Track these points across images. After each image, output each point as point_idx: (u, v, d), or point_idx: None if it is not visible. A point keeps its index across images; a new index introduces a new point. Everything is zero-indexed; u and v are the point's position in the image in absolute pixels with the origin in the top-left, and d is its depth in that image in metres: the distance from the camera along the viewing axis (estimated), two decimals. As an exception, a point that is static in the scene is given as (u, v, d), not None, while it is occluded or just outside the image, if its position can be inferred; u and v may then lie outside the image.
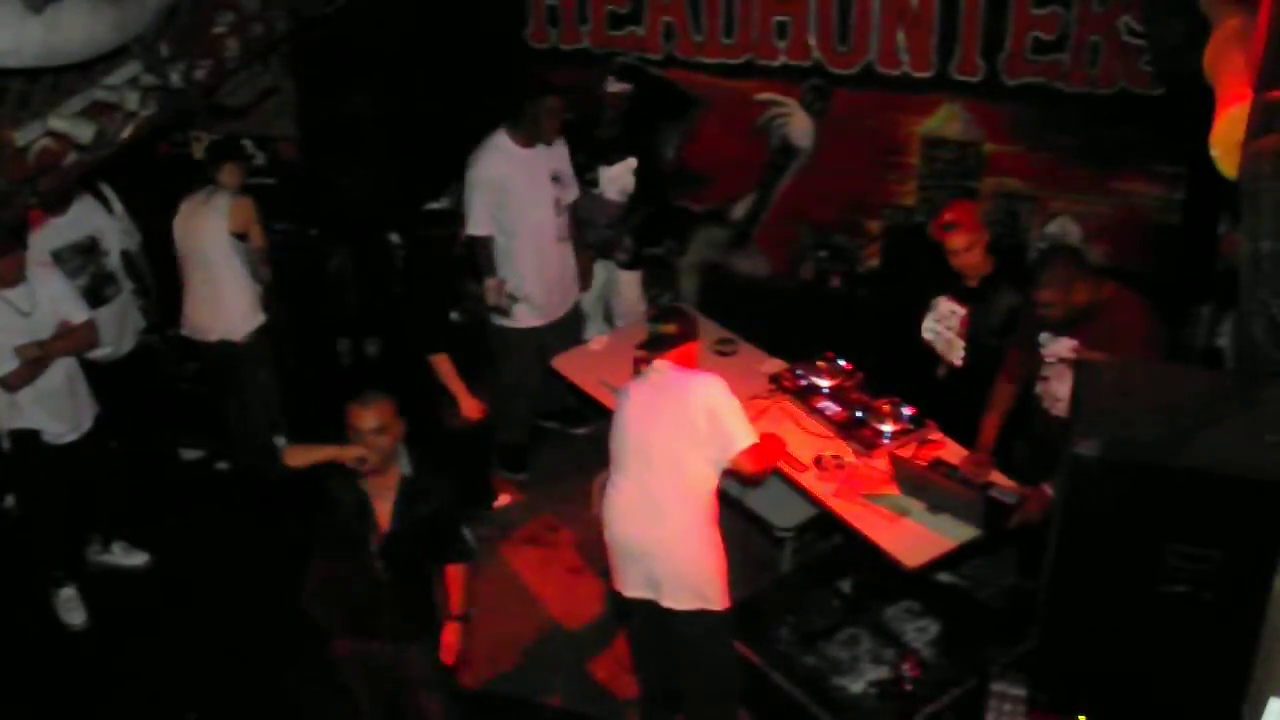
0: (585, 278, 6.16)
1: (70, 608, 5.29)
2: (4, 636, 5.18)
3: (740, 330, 5.74)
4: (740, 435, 4.14)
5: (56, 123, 3.69)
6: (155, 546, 5.65)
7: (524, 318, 5.81)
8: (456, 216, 5.73)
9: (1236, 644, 2.80)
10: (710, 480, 4.20)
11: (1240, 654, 2.80)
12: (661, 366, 4.29)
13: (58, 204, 5.26)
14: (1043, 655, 3.24)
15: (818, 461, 4.79)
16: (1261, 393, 2.83)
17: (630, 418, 4.27)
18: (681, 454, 4.14)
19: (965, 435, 4.78)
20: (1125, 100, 5.94)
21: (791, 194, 6.80)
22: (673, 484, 4.16)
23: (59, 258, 5.30)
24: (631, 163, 6.22)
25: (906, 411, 4.96)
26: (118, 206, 5.69)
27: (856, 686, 4.54)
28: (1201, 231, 5.54)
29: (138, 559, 5.62)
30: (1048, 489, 4.24)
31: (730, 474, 4.31)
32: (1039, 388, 4.64)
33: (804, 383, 5.22)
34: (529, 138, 5.63)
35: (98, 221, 5.53)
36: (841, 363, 5.31)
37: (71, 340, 5.00)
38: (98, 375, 5.28)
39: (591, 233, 6.19)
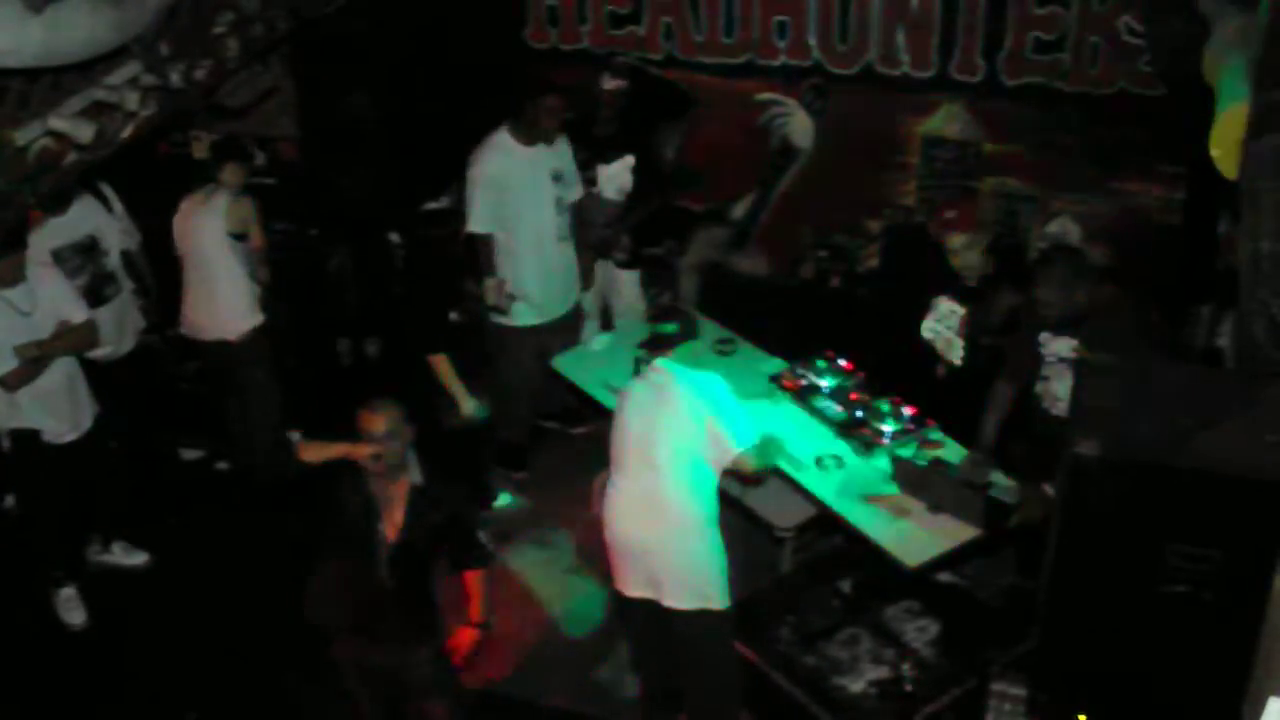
0: (587, 277, 6.16)
1: (70, 608, 5.29)
2: (4, 636, 5.17)
3: (740, 330, 5.73)
4: (741, 435, 4.15)
5: (56, 123, 3.69)
6: (155, 546, 5.64)
7: (524, 317, 5.80)
8: (456, 215, 5.73)
9: (1236, 644, 2.80)
10: (711, 480, 4.20)
11: (1240, 654, 2.80)
12: (662, 366, 4.29)
13: (58, 204, 5.26)
14: (1043, 655, 3.25)
15: (818, 461, 4.79)
16: (1261, 393, 2.83)
17: (631, 417, 4.27)
18: (682, 454, 4.14)
19: (965, 435, 4.78)
20: (1125, 100, 5.94)
21: (791, 194, 6.80)
22: (673, 484, 4.15)
23: (59, 257, 5.30)
24: (629, 161, 6.22)
25: (906, 411, 4.96)
26: (118, 206, 5.69)
27: (856, 686, 4.53)
28: (1201, 231, 5.54)
29: (138, 559, 5.62)
30: (1048, 489, 4.24)
31: (730, 474, 4.31)
32: (1039, 388, 4.64)
33: (804, 383, 5.23)
34: (530, 137, 5.63)
35: (98, 221, 5.53)
36: (841, 362, 5.31)
37: (71, 340, 5.00)
38: (98, 375, 5.27)
39: (590, 232, 6.19)
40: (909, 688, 4.50)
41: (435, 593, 4.11)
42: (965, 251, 4.92)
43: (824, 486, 4.69)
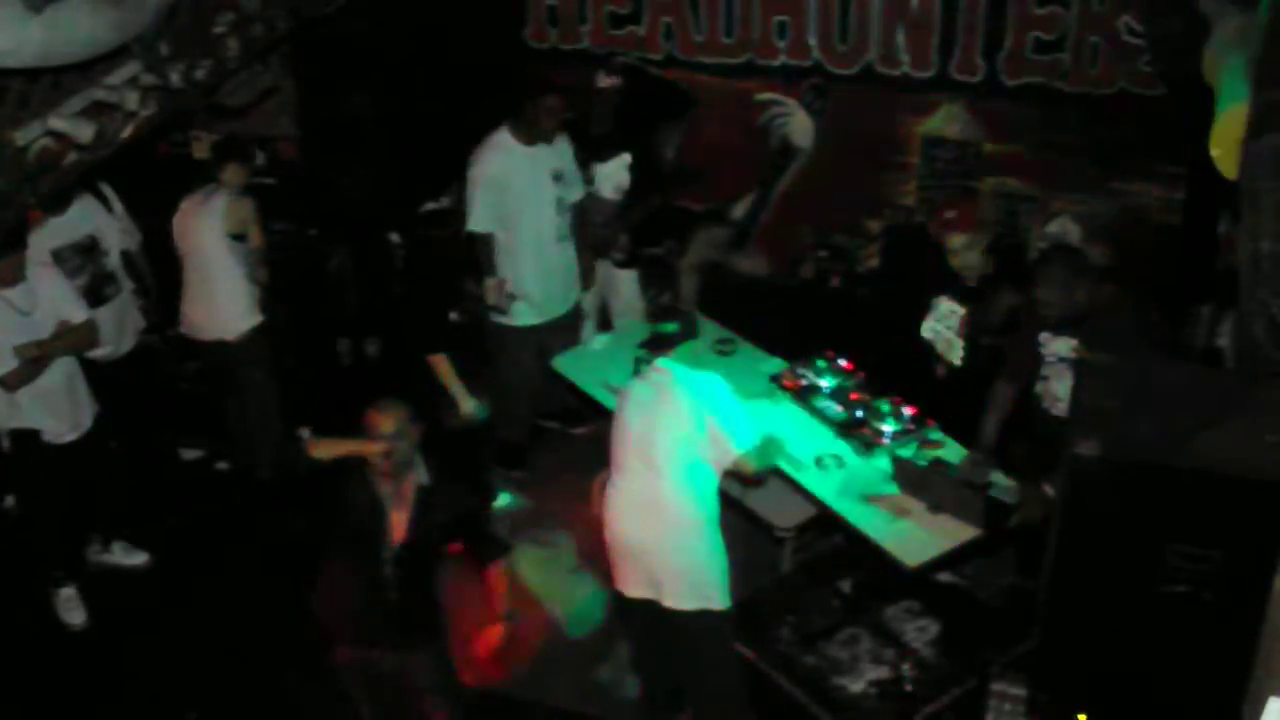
0: (587, 277, 6.16)
1: (70, 608, 5.29)
2: (4, 636, 5.17)
3: (740, 330, 5.73)
4: (741, 437, 4.15)
5: (56, 123, 3.68)
6: (155, 546, 5.64)
7: (524, 317, 5.80)
8: (457, 215, 5.73)
9: (1236, 644, 2.80)
10: (711, 480, 4.20)
11: (1240, 654, 2.80)
12: (662, 366, 4.29)
13: (58, 204, 5.26)
14: (1043, 655, 3.25)
15: (818, 461, 4.79)
16: (1261, 393, 2.83)
17: (631, 417, 4.27)
18: (682, 454, 4.13)
19: (965, 435, 4.78)
20: (1125, 100, 5.95)
21: (791, 194, 6.80)
22: (674, 484, 4.15)
23: (59, 257, 5.30)
24: (626, 159, 6.22)
25: (906, 411, 4.96)
26: (118, 206, 5.69)
27: (856, 686, 4.54)
28: (1201, 231, 5.54)
29: (138, 559, 5.62)
30: (1048, 489, 4.24)
31: (730, 474, 4.31)
32: (1039, 388, 4.64)
33: (804, 383, 5.23)
34: (530, 137, 5.63)
35: (98, 221, 5.53)
36: (841, 362, 5.31)
37: (71, 340, 5.00)
38: (97, 375, 5.28)
39: (587, 231, 6.19)
40: (909, 688, 4.50)
41: (439, 595, 4.12)
42: (965, 251, 4.91)
43: (824, 486, 4.69)
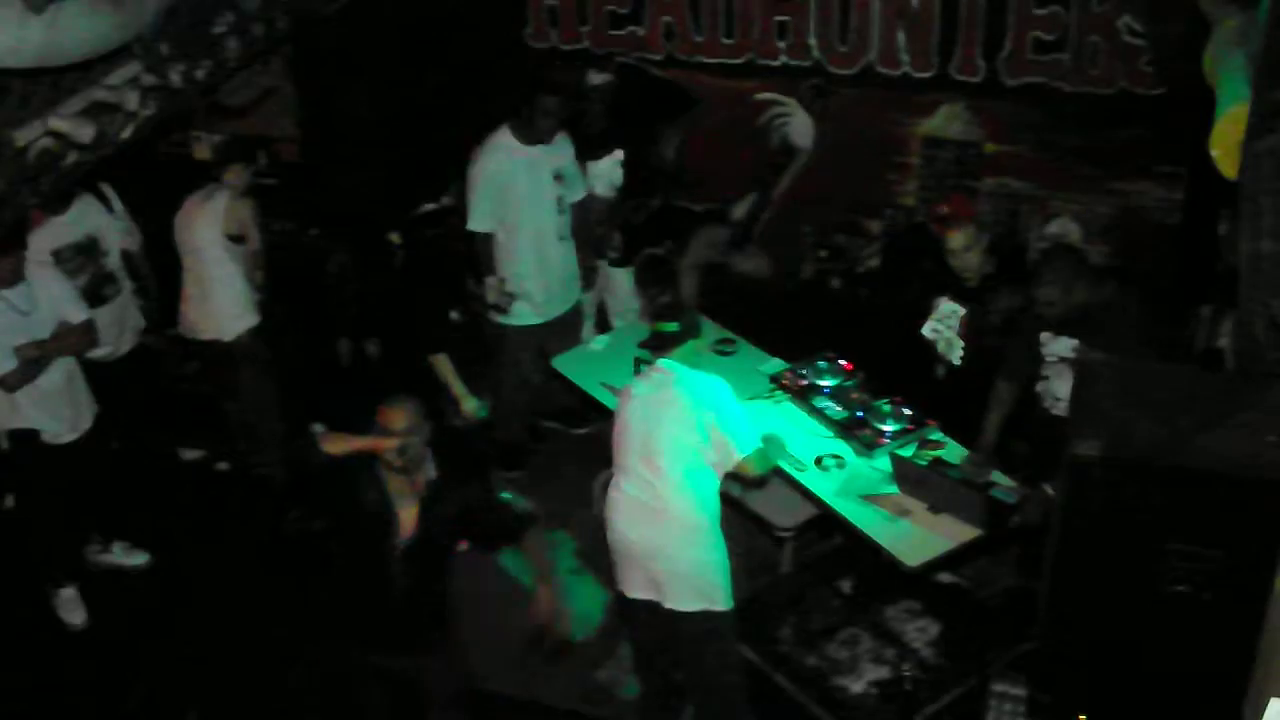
0: (587, 277, 6.16)
1: (70, 608, 5.28)
2: (4, 636, 5.17)
3: (740, 330, 5.73)
4: (743, 441, 4.14)
5: (56, 123, 3.68)
6: (155, 546, 5.64)
7: (524, 316, 5.80)
8: (457, 215, 5.73)
9: (1236, 644, 2.80)
10: (713, 481, 4.20)
11: (1240, 654, 2.80)
12: (664, 366, 4.29)
13: (58, 204, 5.26)
14: (1043, 655, 3.24)
15: (818, 461, 4.79)
16: (1261, 393, 2.83)
17: (632, 418, 4.26)
18: (684, 456, 4.13)
19: (965, 435, 4.78)
20: (1125, 100, 5.95)
21: (791, 194, 6.80)
22: (675, 485, 4.15)
23: (59, 257, 5.30)
24: (619, 155, 6.22)
25: (906, 411, 4.96)
26: (118, 206, 5.69)
27: (857, 686, 4.54)
28: (1201, 231, 5.55)
29: (138, 559, 5.62)
30: (1048, 489, 4.24)
31: (732, 476, 4.31)
32: (1039, 388, 4.64)
33: (804, 383, 5.23)
34: (531, 137, 5.63)
35: (98, 221, 5.53)
36: (841, 362, 5.31)
37: (70, 340, 5.00)
38: (97, 375, 5.27)
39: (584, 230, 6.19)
40: (909, 688, 4.50)
41: (450, 596, 4.11)
42: (965, 252, 4.91)
43: (824, 486, 4.69)
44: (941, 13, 6.14)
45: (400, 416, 3.81)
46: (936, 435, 4.91)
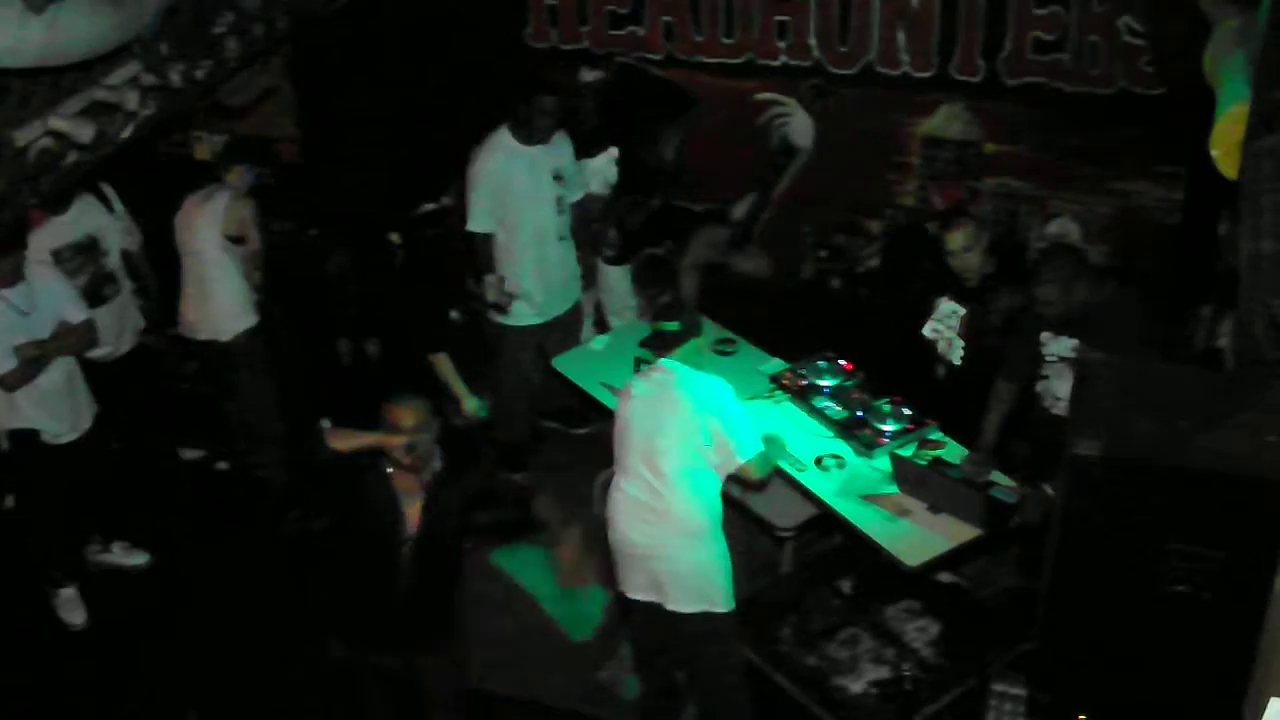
0: (587, 276, 6.16)
1: (70, 608, 5.29)
2: (4, 636, 5.17)
3: (740, 330, 5.73)
4: (745, 445, 4.14)
5: (56, 123, 3.68)
6: (155, 546, 5.64)
7: (524, 316, 5.80)
8: (456, 215, 5.73)
9: (1236, 644, 2.80)
10: (714, 483, 4.19)
11: (1240, 654, 2.80)
12: (665, 366, 4.28)
13: (58, 204, 5.26)
14: (1043, 655, 3.24)
15: (818, 461, 4.79)
16: (1261, 393, 2.83)
17: (633, 418, 4.25)
18: (685, 457, 4.13)
19: (965, 435, 4.78)
20: (1125, 100, 5.95)
21: (791, 194, 6.80)
22: (676, 486, 4.14)
23: (59, 257, 5.30)
24: (614, 152, 6.22)
25: (906, 411, 4.96)
26: (118, 206, 5.69)
27: (857, 687, 4.54)
28: (1201, 231, 5.55)
29: (138, 559, 5.62)
30: (1048, 489, 4.24)
31: (733, 478, 4.30)
32: (1039, 387, 4.64)
33: (804, 383, 5.22)
34: (530, 136, 5.63)
35: (98, 221, 5.53)
36: (841, 362, 5.31)
37: (70, 340, 5.00)
38: (97, 375, 5.27)
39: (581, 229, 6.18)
40: (909, 687, 4.50)
41: (453, 596, 4.11)
42: (965, 252, 4.91)
43: (824, 486, 4.69)
44: (941, 13, 6.14)
45: (409, 414, 3.81)
46: (936, 435, 4.91)
